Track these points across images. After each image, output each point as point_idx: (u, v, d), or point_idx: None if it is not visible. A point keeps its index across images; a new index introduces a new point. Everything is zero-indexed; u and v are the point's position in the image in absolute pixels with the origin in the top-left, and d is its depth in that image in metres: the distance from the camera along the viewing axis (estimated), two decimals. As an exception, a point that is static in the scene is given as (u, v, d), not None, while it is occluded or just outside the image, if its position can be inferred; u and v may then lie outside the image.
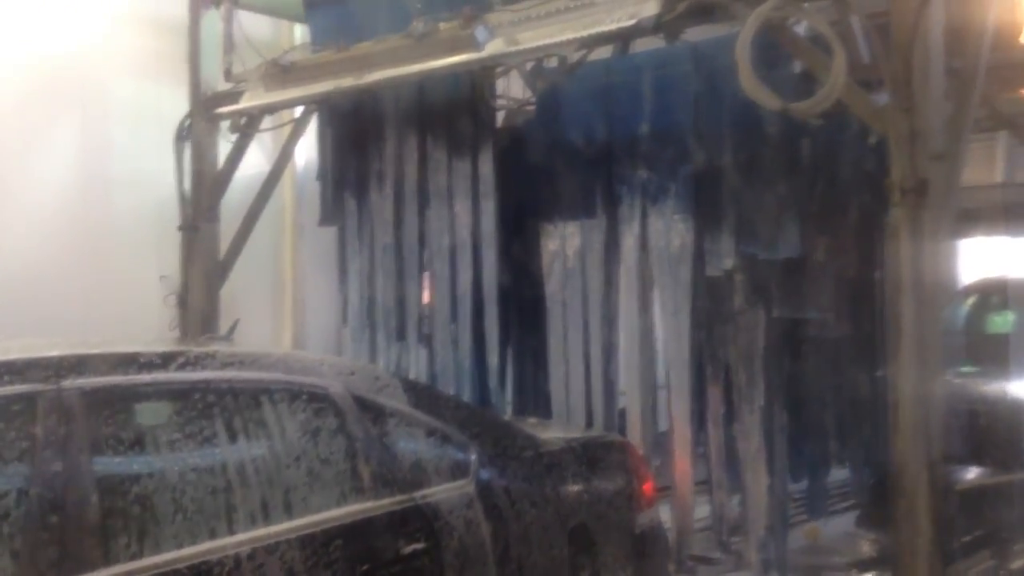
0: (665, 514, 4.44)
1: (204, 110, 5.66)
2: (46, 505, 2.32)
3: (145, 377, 2.68)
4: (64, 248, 6.13)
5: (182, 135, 5.77)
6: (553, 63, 4.35)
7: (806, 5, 3.37)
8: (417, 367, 5.23)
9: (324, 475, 2.93)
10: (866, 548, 4.56)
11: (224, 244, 6.06)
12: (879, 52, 3.18)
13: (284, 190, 7.11)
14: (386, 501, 2.96)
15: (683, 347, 4.37)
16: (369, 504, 2.92)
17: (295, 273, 7.30)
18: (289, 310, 7.34)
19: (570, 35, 3.64)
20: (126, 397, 2.70)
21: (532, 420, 4.67)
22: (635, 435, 4.50)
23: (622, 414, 4.68)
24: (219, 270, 5.98)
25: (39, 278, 5.96)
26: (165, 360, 2.75)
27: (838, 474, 5.08)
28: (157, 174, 5.94)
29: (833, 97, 3.12)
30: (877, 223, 4.29)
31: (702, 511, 4.87)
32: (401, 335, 5.30)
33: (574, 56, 4.52)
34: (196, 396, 2.86)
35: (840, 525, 5.08)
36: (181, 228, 5.82)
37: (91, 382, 2.55)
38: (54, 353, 2.58)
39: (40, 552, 2.27)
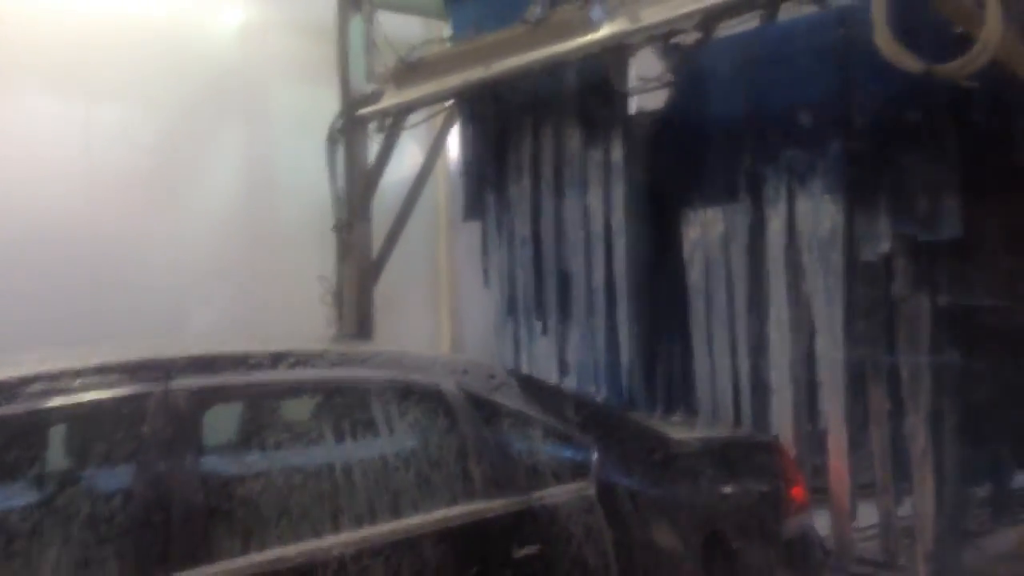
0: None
1: (351, 112, 5.78)
2: (152, 503, 2.37)
3: (253, 377, 2.71)
4: (231, 250, 6.49)
5: (333, 137, 5.92)
6: (689, 40, 4.14)
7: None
8: (557, 363, 5.12)
9: (433, 475, 2.87)
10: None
11: (379, 243, 6.19)
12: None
13: (438, 186, 7.20)
14: (498, 503, 2.88)
15: (837, 340, 4.02)
16: (480, 505, 2.85)
17: (451, 269, 7.38)
18: (446, 306, 7.43)
19: (690, 7, 3.40)
20: (234, 397, 2.76)
21: (676, 419, 4.47)
22: (786, 434, 4.19)
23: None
24: (373, 268, 6.11)
25: (210, 279, 6.34)
26: (274, 360, 2.77)
27: (1027, 479, 4.53)
28: (315, 176, 6.14)
29: (985, 57, 2.74)
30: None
31: (872, 516, 4.48)
32: (543, 330, 5.22)
33: (714, 30, 4.26)
34: (304, 395, 2.91)
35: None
36: (334, 228, 5.97)
37: (199, 382, 2.59)
38: (164, 354, 2.65)
39: (146, 549, 2.31)
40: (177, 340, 2.99)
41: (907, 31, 3.33)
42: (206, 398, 2.59)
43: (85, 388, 2.44)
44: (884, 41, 2.91)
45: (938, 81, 3.11)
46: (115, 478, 2.44)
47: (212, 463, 2.62)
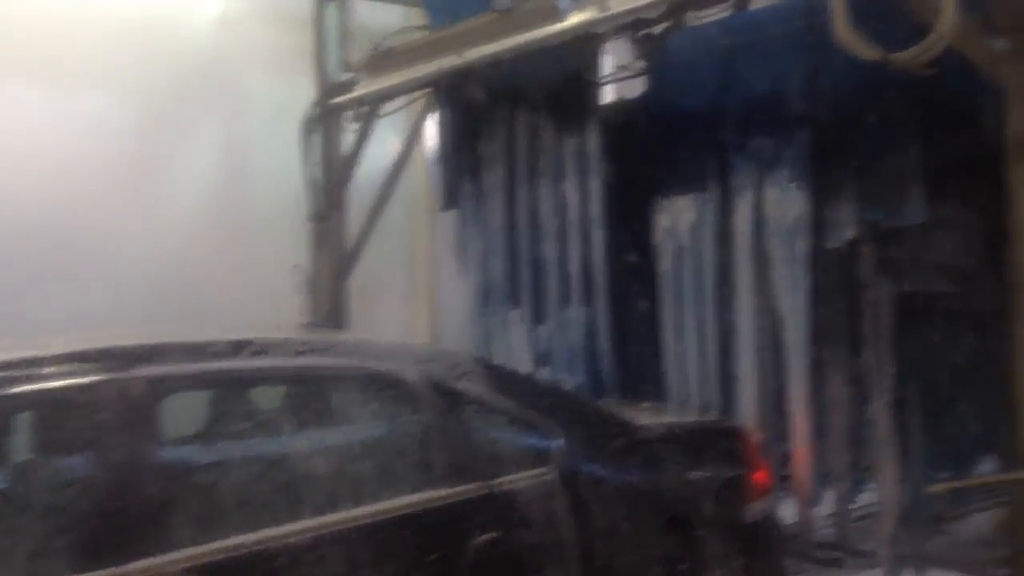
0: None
1: (326, 101, 5.80)
2: (110, 491, 2.38)
3: (213, 365, 2.72)
4: (208, 240, 6.49)
5: (308, 126, 5.93)
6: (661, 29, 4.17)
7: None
8: (532, 351, 5.15)
9: (394, 463, 2.90)
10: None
11: (355, 232, 6.19)
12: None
13: (416, 175, 7.19)
14: (458, 489, 2.90)
15: (801, 327, 4.06)
16: (440, 492, 2.87)
17: (429, 258, 7.38)
18: (424, 296, 7.43)
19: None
20: (194, 385, 2.77)
21: (646, 405, 4.50)
22: (752, 421, 4.23)
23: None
24: (348, 258, 6.11)
25: (185, 268, 6.34)
26: (235, 348, 2.78)
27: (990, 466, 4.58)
28: (291, 166, 6.13)
29: (941, 44, 2.77)
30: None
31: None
32: (519, 319, 5.25)
33: (683, 19, 4.29)
34: (265, 384, 2.93)
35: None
36: (309, 217, 5.98)
37: (158, 370, 2.60)
38: (123, 342, 2.66)
39: (103, 537, 2.32)
40: (140, 329, 2.99)
41: (870, 21, 3.36)
42: (166, 386, 2.60)
43: (45, 377, 2.46)
44: (842, 30, 2.95)
45: (897, 69, 3.14)
46: (74, 466, 2.46)
47: (171, 452, 2.64)
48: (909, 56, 2.90)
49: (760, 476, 3.64)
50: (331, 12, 5.93)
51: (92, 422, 2.44)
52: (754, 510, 3.58)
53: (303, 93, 6.05)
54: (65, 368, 2.49)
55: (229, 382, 2.80)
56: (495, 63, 4.67)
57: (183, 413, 2.80)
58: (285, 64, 6.53)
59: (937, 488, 3.76)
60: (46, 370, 2.47)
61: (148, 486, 2.43)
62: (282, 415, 2.85)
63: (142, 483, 2.42)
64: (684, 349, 4.54)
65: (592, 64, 4.64)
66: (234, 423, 2.78)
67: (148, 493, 2.42)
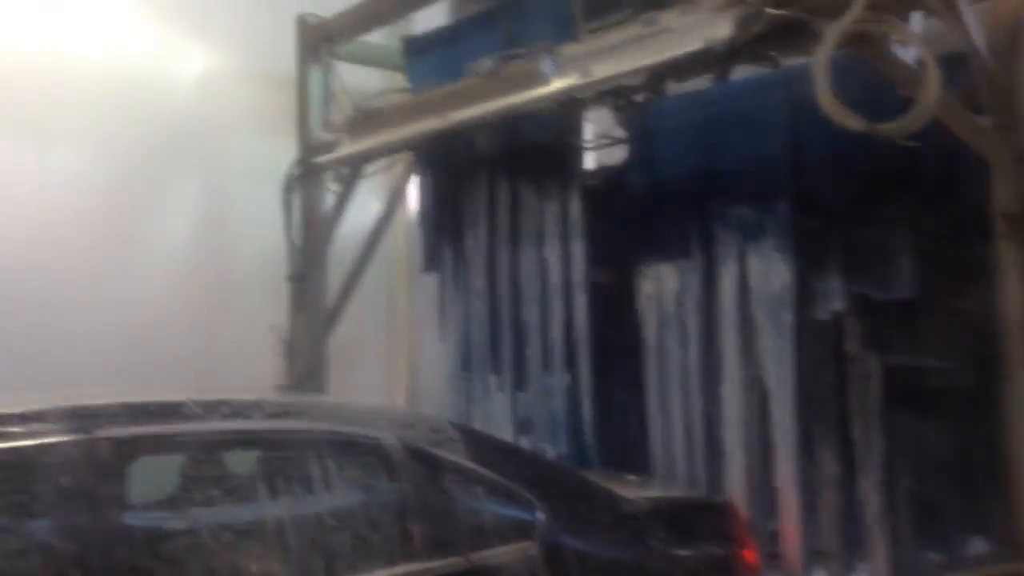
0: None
1: (307, 161, 5.78)
2: (72, 559, 2.28)
3: (184, 427, 2.64)
4: (186, 298, 6.41)
5: (289, 186, 5.90)
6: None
7: (895, 18, 3.03)
8: (513, 418, 5.04)
9: (371, 533, 2.79)
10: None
11: (335, 293, 6.11)
12: (977, 61, 2.81)
13: (398, 237, 7.15)
14: (437, 563, 2.79)
15: (787, 400, 3.98)
16: (418, 566, 2.76)
17: (409, 321, 7.30)
18: (404, 359, 7.33)
19: (637, 64, 3.43)
20: (163, 448, 2.67)
21: (631, 478, 4.39)
22: (739, 496, 4.12)
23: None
24: (327, 319, 6.03)
25: (163, 327, 6.23)
26: (207, 410, 2.70)
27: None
28: (272, 225, 6.08)
29: (924, 116, 2.78)
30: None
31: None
32: (498, 386, 5.15)
33: (663, 88, 4.30)
34: (238, 448, 2.83)
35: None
36: (288, 278, 5.91)
37: (126, 431, 2.52)
38: (90, 401, 2.57)
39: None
40: (111, 388, 2.89)
41: (855, 93, 3.38)
42: (133, 448, 2.52)
43: (5, 436, 2.37)
44: (826, 100, 2.97)
45: (884, 140, 3.14)
46: (34, 531, 2.36)
47: (138, 517, 2.54)
48: (894, 128, 2.92)
49: (749, 554, 3.54)
50: (314, 73, 5.94)
51: (54, 485, 2.35)
52: (743, 589, 3.47)
53: (284, 153, 6.04)
54: (26, 427, 2.41)
55: (200, 445, 2.70)
56: (477, 126, 4.67)
57: (151, 477, 2.69)
58: (266, 124, 6.53)
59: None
60: (6, 429, 2.37)
61: (111, 554, 2.33)
62: (254, 481, 2.73)
63: (104, 551, 2.32)
64: (669, 419, 4.45)
65: (574, 129, 4.64)
66: (204, 488, 2.66)
67: (111, 561, 2.32)
